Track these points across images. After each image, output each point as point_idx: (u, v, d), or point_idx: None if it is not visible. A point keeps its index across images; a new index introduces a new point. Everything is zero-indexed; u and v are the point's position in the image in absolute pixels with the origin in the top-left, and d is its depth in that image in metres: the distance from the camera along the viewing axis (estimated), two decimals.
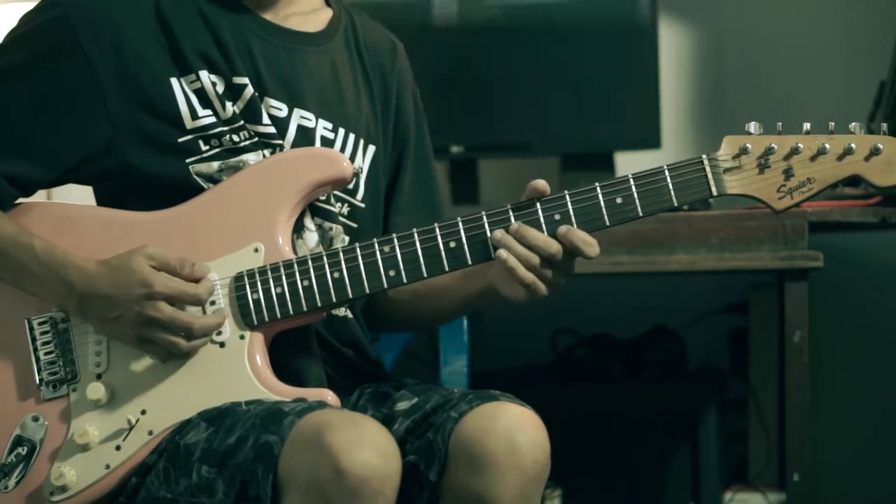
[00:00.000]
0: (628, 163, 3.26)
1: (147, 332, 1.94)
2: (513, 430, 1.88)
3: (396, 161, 2.22)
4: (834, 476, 3.20)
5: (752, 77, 3.48)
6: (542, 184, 1.97)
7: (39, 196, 2.09)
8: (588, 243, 1.95)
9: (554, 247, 1.94)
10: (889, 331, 3.27)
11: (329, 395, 1.96)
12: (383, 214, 2.19)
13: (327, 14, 2.18)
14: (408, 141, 2.23)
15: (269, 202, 2.01)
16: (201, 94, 2.03)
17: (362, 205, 2.13)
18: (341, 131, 2.11)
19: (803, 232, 2.72)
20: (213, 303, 1.97)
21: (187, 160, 2.02)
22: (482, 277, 2.04)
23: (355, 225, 2.11)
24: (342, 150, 2.11)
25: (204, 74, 2.03)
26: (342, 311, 2.10)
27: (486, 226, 1.97)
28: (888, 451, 3.25)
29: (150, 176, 2.02)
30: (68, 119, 2.01)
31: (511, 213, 1.97)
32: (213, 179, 2.03)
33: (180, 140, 2.02)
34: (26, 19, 2.05)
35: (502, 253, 1.94)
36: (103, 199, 2.09)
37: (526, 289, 1.95)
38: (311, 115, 2.09)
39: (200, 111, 2.03)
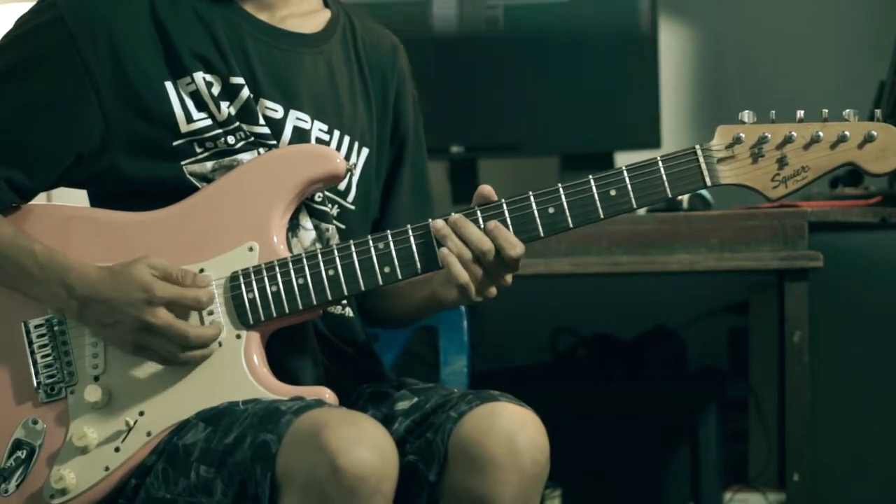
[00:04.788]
0: (628, 163, 3.24)
1: (144, 338, 1.93)
2: (512, 431, 1.88)
3: (393, 162, 2.21)
4: (834, 476, 3.19)
5: (752, 77, 3.48)
6: (487, 189, 1.97)
7: (39, 198, 2.09)
8: (512, 245, 1.94)
9: (486, 244, 1.94)
10: (889, 331, 3.26)
11: (327, 394, 1.96)
12: (377, 214, 2.19)
13: (325, 15, 2.17)
14: (406, 143, 2.22)
15: (263, 200, 2.00)
16: (196, 96, 2.02)
17: (352, 207, 2.12)
18: (336, 133, 2.11)
19: (803, 232, 2.71)
20: (210, 313, 1.97)
21: (181, 162, 2.02)
22: (428, 285, 2.03)
23: (344, 226, 2.10)
24: (337, 151, 2.10)
25: (199, 75, 2.02)
26: (342, 309, 2.10)
27: (480, 220, 1.96)
28: (888, 451, 3.24)
29: (144, 180, 2.01)
30: (64, 120, 2.00)
31: (505, 207, 1.97)
32: (207, 179, 2.02)
33: (175, 144, 2.01)
34: (22, 21, 2.04)
35: (443, 250, 1.94)
36: (97, 201, 2.08)
37: (458, 288, 1.95)
38: (307, 117, 2.08)
39: (196, 114, 2.02)
